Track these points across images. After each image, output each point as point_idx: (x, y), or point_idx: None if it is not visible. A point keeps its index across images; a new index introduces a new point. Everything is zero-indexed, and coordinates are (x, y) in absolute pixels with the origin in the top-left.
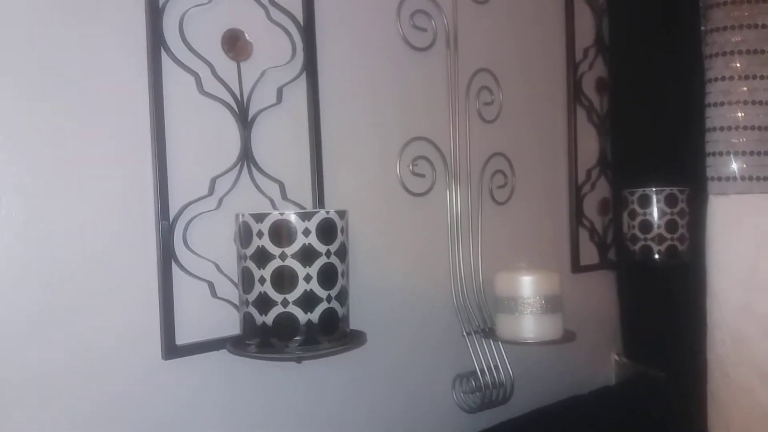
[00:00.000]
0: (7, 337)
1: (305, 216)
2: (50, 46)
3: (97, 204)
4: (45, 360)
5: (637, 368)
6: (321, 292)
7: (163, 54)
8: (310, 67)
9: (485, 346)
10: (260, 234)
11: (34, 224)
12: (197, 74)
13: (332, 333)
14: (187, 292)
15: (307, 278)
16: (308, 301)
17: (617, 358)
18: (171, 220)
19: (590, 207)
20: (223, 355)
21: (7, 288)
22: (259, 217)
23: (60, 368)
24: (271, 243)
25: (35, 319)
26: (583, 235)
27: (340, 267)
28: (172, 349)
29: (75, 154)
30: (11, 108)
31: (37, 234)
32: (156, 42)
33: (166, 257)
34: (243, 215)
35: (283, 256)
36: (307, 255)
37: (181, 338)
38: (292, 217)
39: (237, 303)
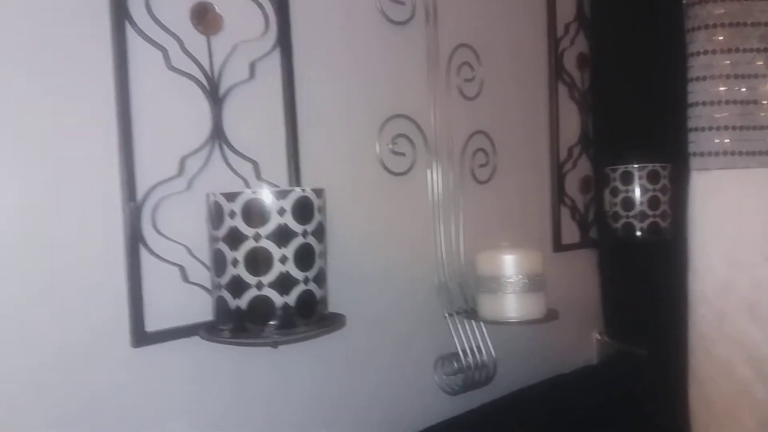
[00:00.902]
0: None
1: (280, 194)
2: (6, 15)
3: (59, 185)
4: (7, 353)
5: (619, 347)
6: (298, 274)
7: (128, 28)
8: (284, 40)
9: (467, 327)
10: (232, 214)
11: None
12: (165, 49)
13: (310, 316)
14: (156, 277)
15: (283, 259)
16: (284, 283)
17: (599, 337)
18: (138, 201)
19: (572, 185)
20: (196, 341)
21: None
22: (231, 197)
23: (25, 360)
24: (243, 223)
25: None
26: (565, 213)
27: (317, 247)
28: (141, 337)
29: (35, 133)
30: None
31: None
32: (120, 15)
33: (134, 240)
34: (214, 195)
35: (257, 237)
36: (282, 235)
37: (151, 325)
38: (267, 196)
39: (210, 287)
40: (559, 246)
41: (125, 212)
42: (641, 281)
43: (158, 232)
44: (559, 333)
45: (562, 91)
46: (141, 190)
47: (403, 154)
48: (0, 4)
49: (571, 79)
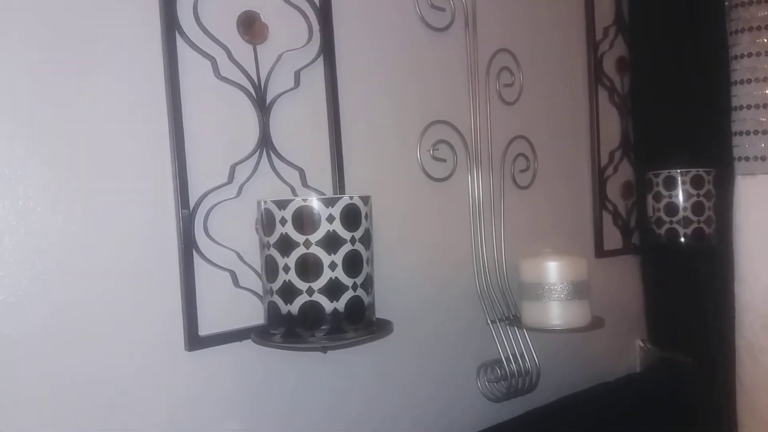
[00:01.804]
0: (30, 327)
1: (329, 202)
2: (62, 32)
3: (116, 194)
4: (66, 350)
5: (662, 355)
6: (346, 280)
7: (178, 38)
8: (327, 49)
9: (510, 333)
10: (283, 221)
11: (54, 215)
12: (213, 58)
13: (358, 322)
14: (208, 282)
15: (332, 266)
16: (334, 289)
17: (642, 345)
18: (191, 208)
19: (613, 190)
20: (247, 345)
21: (29, 277)
22: (282, 204)
23: (80, 359)
24: (294, 230)
25: (56, 308)
26: (607, 219)
27: (365, 254)
28: (195, 340)
29: (93, 144)
30: (26, 98)
31: (57, 224)
32: (170, 25)
33: (187, 247)
34: (265, 202)
35: (307, 244)
36: (331, 242)
37: (204, 329)
38: (316, 204)
39: (259, 292)
40: (601, 252)
41: (179, 219)
42: (685, 288)
43: (210, 238)
44: (602, 340)
45: (602, 95)
46: (193, 198)
47: (444, 160)
48: (59, 18)
49: (611, 83)
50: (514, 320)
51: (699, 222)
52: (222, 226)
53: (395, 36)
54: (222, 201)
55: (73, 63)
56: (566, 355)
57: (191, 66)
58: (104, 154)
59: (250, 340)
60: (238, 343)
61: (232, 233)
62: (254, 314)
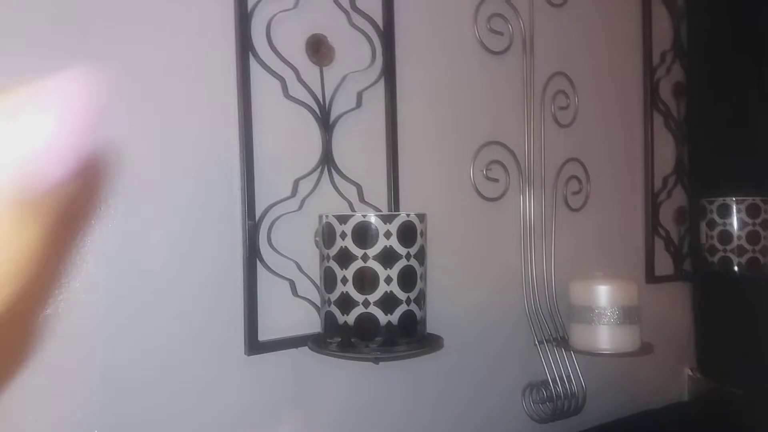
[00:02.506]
0: (98, 324)
1: (387, 218)
2: (138, 50)
3: (188, 202)
4: (131, 350)
5: (712, 384)
6: (401, 294)
7: (251, 59)
8: (389, 71)
9: (557, 355)
10: (343, 235)
11: (131, 219)
12: (283, 78)
13: (411, 335)
14: (269, 290)
15: (388, 280)
16: (388, 302)
17: (691, 374)
18: (257, 219)
19: (666, 215)
20: (303, 351)
21: (102, 277)
22: (343, 219)
23: (145, 359)
24: (354, 244)
25: (125, 308)
26: (659, 244)
27: (419, 270)
28: (255, 345)
29: (170, 154)
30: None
31: (133, 229)
32: (245, 46)
33: (252, 255)
34: (327, 216)
35: (365, 258)
36: (387, 257)
37: (264, 334)
38: (375, 220)
39: (316, 302)
40: (652, 277)
41: (245, 230)
42: (738, 317)
43: (272, 248)
44: (651, 367)
45: (658, 120)
46: (259, 210)
47: (496, 180)
48: (138, 45)
49: (666, 108)
50: (562, 342)
51: (754, 251)
52: (283, 237)
53: (454, 58)
54: (285, 213)
55: (149, 76)
56: (614, 380)
57: (262, 85)
58: (180, 165)
59: (305, 347)
60: (294, 350)
61: (293, 244)
62: (310, 322)
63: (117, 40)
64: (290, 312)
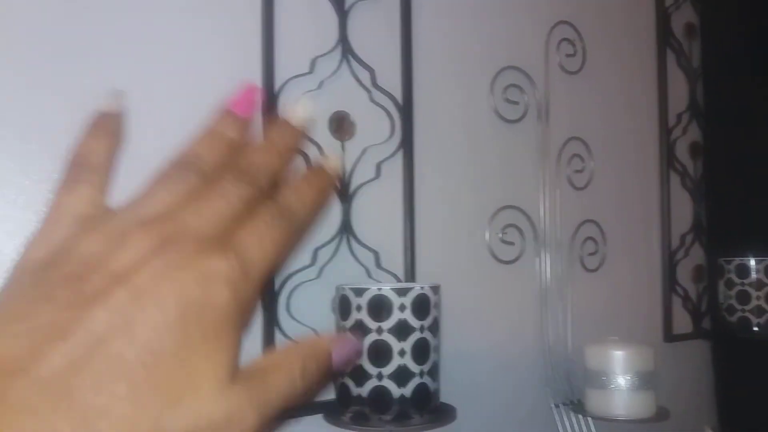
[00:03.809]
0: None
1: (401, 292)
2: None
3: None
4: None
5: None
6: (414, 367)
7: None
8: (407, 143)
9: (574, 419)
10: (359, 308)
11: None
12: (306, 155)
13: (424, 408)
14: None
15: (402, 353)
16: (402, 375)
17: None
18: (276, 288)
19: (684, 274)
20: (317, 420)
21: None
22: (359, 292)
23: None
24: (369, 317)
25: None
26: (677, 302)
27: (432, 342)
28: None
29: None
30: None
31: None
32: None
33: (270, 324)
34: (343, 288)
35: (379, 331)
36: (402, 330)
37: None
38: (389, 293)
39: None
40: (670, 336)
41: (264, 299)
42: (759, 378)
43: (291, 316)
44: (670, 428)
45: (674, 179)
46: (278, 279)
47: (512, 243)
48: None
49: (683, 168)
50: (579, 406)
51: None
52: (302, 304)
53: (470, 128)
54: (303, 282)
55: None
56: None
57: None
58: None
59: (320, 415)
60: (309, 417)
61: (311, 311)
62: (328, 391)
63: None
64: None
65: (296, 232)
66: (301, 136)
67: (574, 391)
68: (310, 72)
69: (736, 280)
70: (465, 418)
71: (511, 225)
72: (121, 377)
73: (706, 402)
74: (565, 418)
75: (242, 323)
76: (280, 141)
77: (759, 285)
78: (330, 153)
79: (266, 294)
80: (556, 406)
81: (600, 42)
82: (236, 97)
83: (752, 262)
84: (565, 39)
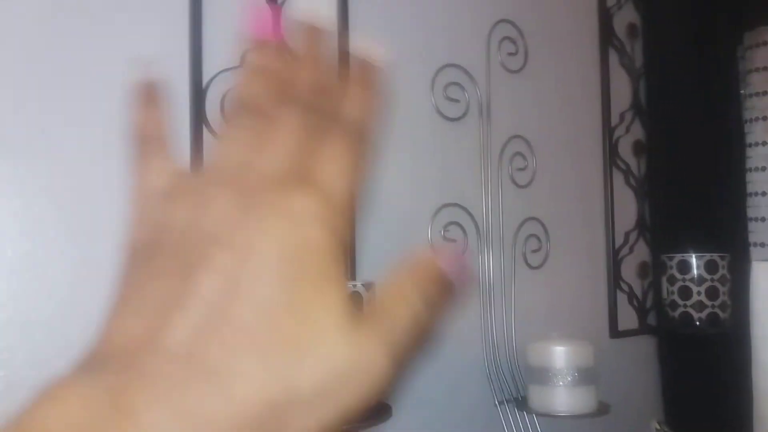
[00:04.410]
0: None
1: None
2: (97, 128)
3: None
4: None
5: None
6: None
7: (205, 131)
8: None
9: (518, 416)
10: None
11: (83, 282)
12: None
13: None
14: None
15: None
16: None
17: (658, 428)
18: None
19: (629, 270)
20: None
21: (45, 343)
22: None
23: None
24: None
25: None
26: (622, 299)
27: None
28: None
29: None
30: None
31: (82, 297)
32: (198, 120)
33: None
34: None
35: None
36: None
37: None
38: None
39: None
40: (615, 332)
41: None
42: (703, 372)
43: None
44: (617, 422)
45: (618, 177)
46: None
47: (454, 241)
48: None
49: (627, 166)
50: (522, 403)
51: (713, 307)
52: None
53: (410, 126)
54: None
55: None
56: None
57: None
58: None
59: None
60: None
61: None
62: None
63: (69, 116)
64: None
65: (367, 143)
66: (329, 36)
67: (519, 388)
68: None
69: (678, 276)
70: (403, 417)
71: (453, 222)
72: (243, 339)
73: (652, 397)
74: (510, 415)
75: (343, 259)
76: (316, 51)
77: (700, 280)
78: (367, 42)
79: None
80: (500, 403)
81: (542, 41)
82: (254, 21)
83: (693, 258)
84: (506, 38)
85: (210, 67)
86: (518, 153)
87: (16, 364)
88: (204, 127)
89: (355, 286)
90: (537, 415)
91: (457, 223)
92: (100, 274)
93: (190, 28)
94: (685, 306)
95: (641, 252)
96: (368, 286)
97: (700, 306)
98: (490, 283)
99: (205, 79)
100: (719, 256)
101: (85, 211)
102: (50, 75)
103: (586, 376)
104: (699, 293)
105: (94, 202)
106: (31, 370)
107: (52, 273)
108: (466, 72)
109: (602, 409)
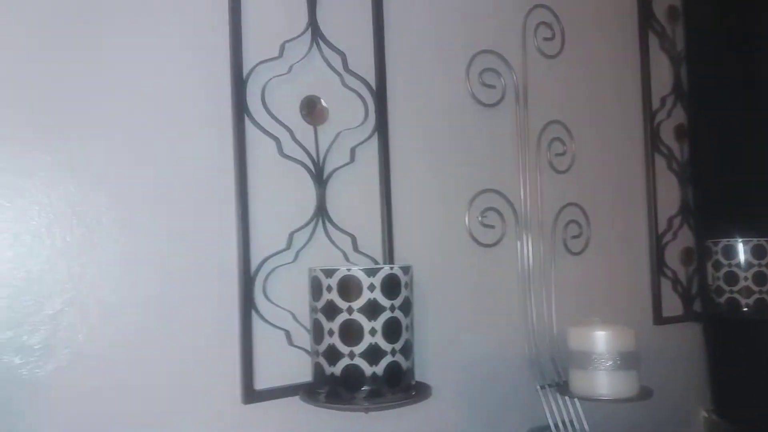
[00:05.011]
0: (95, 370)
1: (371, 272)
2: (140, 111)
3: (185, 254)
4: (129, 399)
5: (728, 427)
6: (385, 346)
7: (247, 120)
8: (382, 127)
9: (560, 400)
10: (329, 288)
11: (133, 266)
12: (278, 139)
13: (396, 385)
14: (265, 339)
15: (372, 332)
16: (373, 354)
17: (706, 416)
18: (252, 272)
19: (672, 256)
20: (297, 401)
21: (101, 322)
22: (329, 272)
23: (142, 409)
24: (339, 297)
25: (122, 359)
26: (666, 285)
27: (404, 321)
28: (251, 394)
29: (167, 210)
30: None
31: (133, 279)
32: (240, 110)
33: (247, 307)
34: (314, 270)
35: (350, 310)
36: (372, 309)
37: (260, 383)
38: (359, 273)
39: (310, 350)
40: (660, 319)
41: (241, 282)
42: (751, 358)
43: (268, 299)
44: (662, 409)
45: (660, 162)
46: (255, 262)
47: (492, 227)
48: (140, 113)
49: (669, 151)
50: (563, 387)
51: (761, 292)
52: (279, 288)
53: (446, 112)
54: (280, 265)
55: (159, 145)
56: (621, 424)
57: (258, 145)
58: (176, 221)
59: (297, 397)
60: (289, 399)
61: (288, 294)
62: (306, 371)
63: (116, 109)
64: (286, 361)
65: None
66: None
67: (560, 373)
68: (280, 56)
69: (723, 261)
70: (446, 398)
71: (490, 208)
72: None
73: (698, 384)
74: (551, 399)
75: None
76: None
77: (747, 266)
78: None
79: (241, 276)
80: (542, 387)
81: (579, 26)
82: None
83: (739, 243)
84: (542, 23)
85: (251, 56)
86: (556, 138)
87: (77, 342)
88: (245, 115)
89: (392, 268)
90: (579, 399)
91: (495, 209)
92: (149, 259)
93: (230, 17)
94: (731, 292)
95: (685, 238)
96: (406, 269)
97: (747, 292)
98: (529, 269)
99: (245, 70)
100: (766, 240)
101: (135, 200)
102: (97, 65)
103: (627, 360)
104: (746, 278)
105: (143, 191)
106: (92, 347)
107: (106, 258)
108: (501, 57)
109: (645, 394)
